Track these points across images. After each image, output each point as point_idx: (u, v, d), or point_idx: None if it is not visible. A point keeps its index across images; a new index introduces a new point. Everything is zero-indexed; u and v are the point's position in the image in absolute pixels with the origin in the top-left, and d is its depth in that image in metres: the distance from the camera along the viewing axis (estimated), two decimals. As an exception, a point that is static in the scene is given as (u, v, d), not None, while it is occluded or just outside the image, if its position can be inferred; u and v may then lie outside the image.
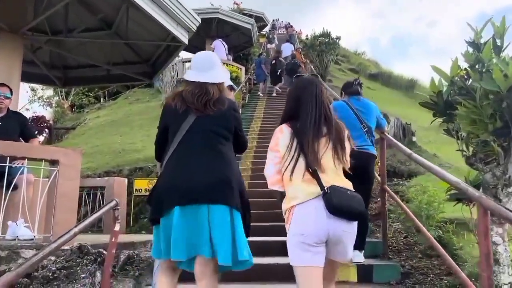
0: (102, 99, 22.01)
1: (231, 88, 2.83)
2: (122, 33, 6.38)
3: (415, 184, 6.53)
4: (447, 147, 9.91)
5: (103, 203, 6.53)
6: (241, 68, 17.54)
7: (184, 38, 5.57)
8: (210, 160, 2.25)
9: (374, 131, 4.17)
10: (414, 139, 7.88)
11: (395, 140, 4.10)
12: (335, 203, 1.99)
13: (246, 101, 15.02)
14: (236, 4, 28.16)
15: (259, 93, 15.99)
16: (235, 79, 14.88)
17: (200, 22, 5.66)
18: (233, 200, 2.21)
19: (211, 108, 2.32)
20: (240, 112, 13.36)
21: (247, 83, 16.48)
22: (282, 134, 2.20)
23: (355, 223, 2.08)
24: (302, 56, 18.11)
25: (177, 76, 17.25)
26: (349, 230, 2.05)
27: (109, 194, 6.35)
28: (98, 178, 6.86)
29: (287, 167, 2.12)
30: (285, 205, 2.13)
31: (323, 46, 14.97)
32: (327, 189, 2.02)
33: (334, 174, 2.11)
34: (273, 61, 14.79)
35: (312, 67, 15.12)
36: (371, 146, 4.04)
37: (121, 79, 7.24)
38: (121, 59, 7.00)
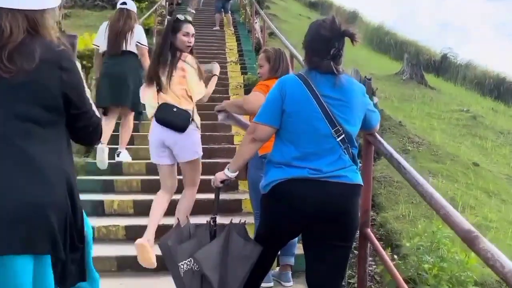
0: None
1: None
2: None
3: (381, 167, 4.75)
4: (407, 105, 8.23)
5: None
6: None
7: None
8: (5, 173, 1.26)
9: (356, 137, 2.09)
10: (375, 100, 5.96)
11: (396, 155, 2.02)
12: (158, 116, 2.79)
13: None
14: None
15: (189, 9, 12.53)
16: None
17: None
18: (43, 245, 1.29)
19: (5, 66, 1.25)
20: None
21: (167, 2, 13.23)
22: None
23: (184, 134, 2.78)
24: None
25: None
26: (178, 139, 2.79)
27: None
28: None
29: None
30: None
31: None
32: (159, 104, 2.80)
33: (174, 95, 2.79)
34: None
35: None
36: (350, 169, 1.97)
37: None
38: None
